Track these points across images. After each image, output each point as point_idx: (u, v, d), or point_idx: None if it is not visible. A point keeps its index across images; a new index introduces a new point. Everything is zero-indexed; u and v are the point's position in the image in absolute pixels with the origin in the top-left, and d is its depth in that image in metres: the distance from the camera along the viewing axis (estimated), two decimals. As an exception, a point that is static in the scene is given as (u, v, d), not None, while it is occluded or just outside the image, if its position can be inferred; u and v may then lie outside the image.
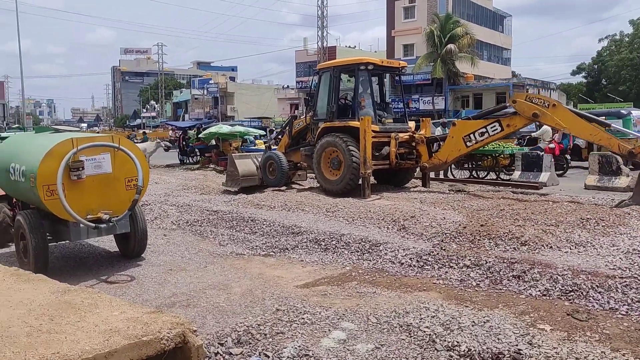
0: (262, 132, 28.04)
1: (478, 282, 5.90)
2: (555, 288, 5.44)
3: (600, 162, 12.53)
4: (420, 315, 4.78)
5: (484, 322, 4.57)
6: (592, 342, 4.21)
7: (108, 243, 8.37)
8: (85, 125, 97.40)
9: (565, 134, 16.43)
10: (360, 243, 7.46)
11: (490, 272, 6.06)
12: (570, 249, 6.62)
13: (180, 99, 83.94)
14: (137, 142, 20.45)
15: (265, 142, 18.51)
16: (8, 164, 6.96)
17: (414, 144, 11.90)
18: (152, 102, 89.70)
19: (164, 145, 27.12)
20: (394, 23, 48.47)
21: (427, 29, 41.05)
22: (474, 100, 44.03)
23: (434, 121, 23.78)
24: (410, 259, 6.76)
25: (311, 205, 9.89)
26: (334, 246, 7.54)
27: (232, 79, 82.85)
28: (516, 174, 13.28)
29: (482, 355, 4.00)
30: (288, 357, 4.02)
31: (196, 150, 23.79)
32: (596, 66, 59.57)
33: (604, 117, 14.10)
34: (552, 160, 13.55)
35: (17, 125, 54.00)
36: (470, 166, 14.46)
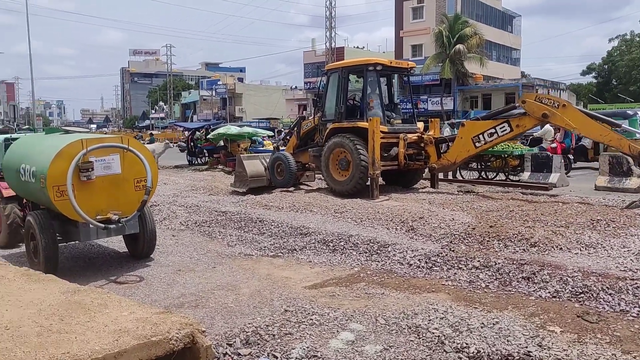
0: (270, 133, 28.08)
1: (487, 284, 5.87)
2: (566, 290, 5.40)
3: (611, 163, 12.45)
4: (429, 316, 4.77)
5: (494, 324, 4.54)
6: (602, 344, 4.18)
7: (117, 244, 8.41)
8: (95, 126, 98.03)
9: (567, 133, 16.33)
10: (368, 244, 7.45)
11: (499, 274, 6.03)
12: (581, 250, 6.57)
13: (189, 100, 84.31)
14: (144, 144, 20.53)
15: (273, 143, 18.52)
16: (18, 165, 7.02)
17: (422, 144, 11.85)
18: (161, 103, 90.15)
19: (173, 146, 27.22)
20: (402, 23, 48.34)
21: (436, 30, 40.91)
22: (482, 101, 43.82)
23: (449, 121, 23.59)
24: (419, 260, 6.73)
25: (319, 206, 9.89)
26: (342, 247, 7.54)
27: (241, 79, 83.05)
28: (525, 175, 13.22)
29: (491, 357, 3.98)
30: (296, 358, 4.02)
31: (204, 151, 23.87)
32: (606, 66, 59.10)
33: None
34: (562, 161, 13.47)
35: (27, 126, 54.45)
36: (479, 167, 14.40)
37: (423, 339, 4.33)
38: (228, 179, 15.59)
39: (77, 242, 7.68)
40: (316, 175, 13.80)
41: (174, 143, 32.65)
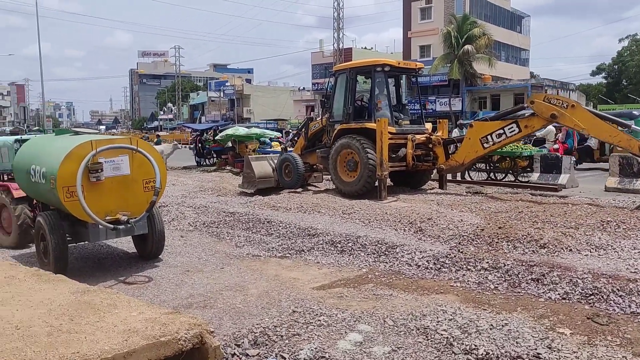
0: (278, 134, 28.12)
1: (496, 285, 5.84)
2: (575, 291, 5.37)
3: (621, 164, 12.35)
4: (437, 318, 4.75)
5: (503, 326, 4.52)
6: (612, 346, 4.15)
7: (126, 244, 8.45)
8: (104, 127, 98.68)
9: (569, 133, 16.21)
10: (376, 245, 7.43)
11: (508, 275, 6.00)
12: (591, 251, 6.53)
13: (197, 101, 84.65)
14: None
15: (281, 144, 18.54)
16: (29, 166, 7.07)
17: (430, 145, 11.83)
18: (169, 104, 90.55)
19: (181, 147, 27.32)
20: (410, 24, 48.25)
21: (444, 30, 40.78)
22: (491, 102, 43.63)
23: (458, 122, 23.42)
24: (427, 261, 6.71)
25: (327, 207, 9.89)
26: (350, 248, 7.53)
27: (248, 81, 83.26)
28: (535, 176, 13.13)
29: (500, 359, 3.96)
30: (304, 359, 4.02)
31: (213, 152, 23.96)
32: (616, 66, 58.71)
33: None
34: (572, 161, 13.37)
35: (37, 127, 54.92)
36: (487, 168, 14.33)
37: (431, 341, 4.31)
38: (236, 180, 15.63)
39: (86, 242, 7.72)
40: (324, 176, 13.80)
41: (183, 144, 32.80)
